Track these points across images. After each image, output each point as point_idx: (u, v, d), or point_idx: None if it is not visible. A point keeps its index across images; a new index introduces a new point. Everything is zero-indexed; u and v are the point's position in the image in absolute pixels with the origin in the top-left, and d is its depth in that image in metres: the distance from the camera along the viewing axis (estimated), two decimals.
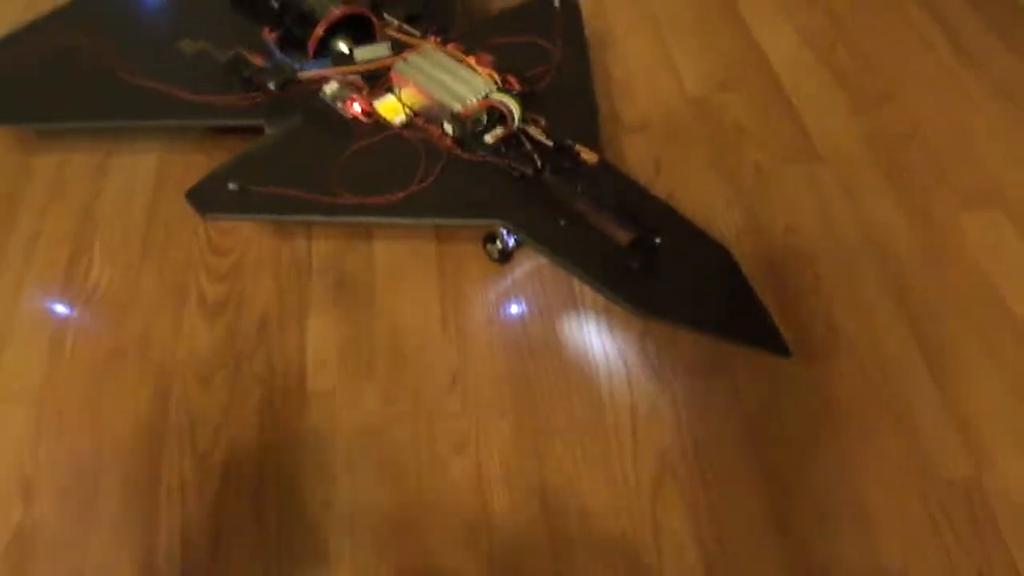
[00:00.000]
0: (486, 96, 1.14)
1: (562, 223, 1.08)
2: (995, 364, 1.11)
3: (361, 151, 1.16)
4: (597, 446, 1.06)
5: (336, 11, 1.21)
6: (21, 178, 1.37)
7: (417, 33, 1.29)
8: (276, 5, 1.26)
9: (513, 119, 1.13)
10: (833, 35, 1.56)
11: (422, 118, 1.20)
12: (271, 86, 1.22)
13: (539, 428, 1.08)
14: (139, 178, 1.36)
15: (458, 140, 1.16)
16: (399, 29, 1.31)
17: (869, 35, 1.55)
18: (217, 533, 1.01)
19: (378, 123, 1.21)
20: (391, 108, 1.20)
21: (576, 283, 1.20)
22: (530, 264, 1.23)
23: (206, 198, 1.11)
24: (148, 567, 0.99)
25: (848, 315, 1.15)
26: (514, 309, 1.18)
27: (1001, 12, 1.59)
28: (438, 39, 1.26)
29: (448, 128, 1.16)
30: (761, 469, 1.04)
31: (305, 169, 1.15)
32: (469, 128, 1.15)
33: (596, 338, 1.15)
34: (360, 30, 1.27)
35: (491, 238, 1.19)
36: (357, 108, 1.20)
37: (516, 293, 1.20)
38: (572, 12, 1.39)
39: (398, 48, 1.26)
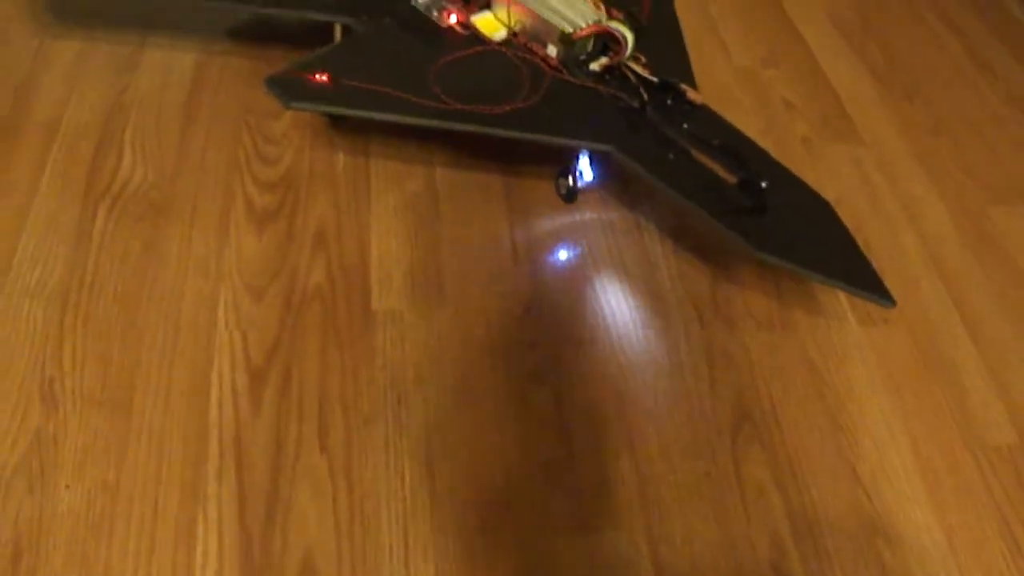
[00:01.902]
0: (598, 22, 1.08)
1: (671, 157, 1.04)
2: None
3: (459, 61, 1.08)
4: (676, 387, 1.02)
5: None
6: (37, 64, 1.22)
7: None
8: None
9: (626, 48, 1.07)
10: (862, 29, 1.59)
11: (523, 37, 1.13)
12: None
13: (618, 362, 1.03)
14: (173, 76, 1.23)
15: (562, 63, 1.10)
16: None
17: (893, 35, 1.61)
18: (278, 450, 0.91)
19: (475, 36, 1.13)
20: (489, 24, 1.13)
21: (645, 227, 1.16)
22: (597, 204, 1.18)
23: (290, 87, 1.00)
24: (196, 480, 0.87)
25: (896, 282, 1.15)
26: (584, 247, 1.13)
27: (1010, 29, 1.68)
28: None
29: (553, 50, 1.10)
30: (829, 419, 1.02)
31: (400, 71, 1.06)
32: (575, 53, 1.10)
33: (667, 283, 1.11)
34: None
35: (564, 174, 1.13)
36: (454, 19, 1.13)
37: (585, 232, 1.15)
38: None
39: None
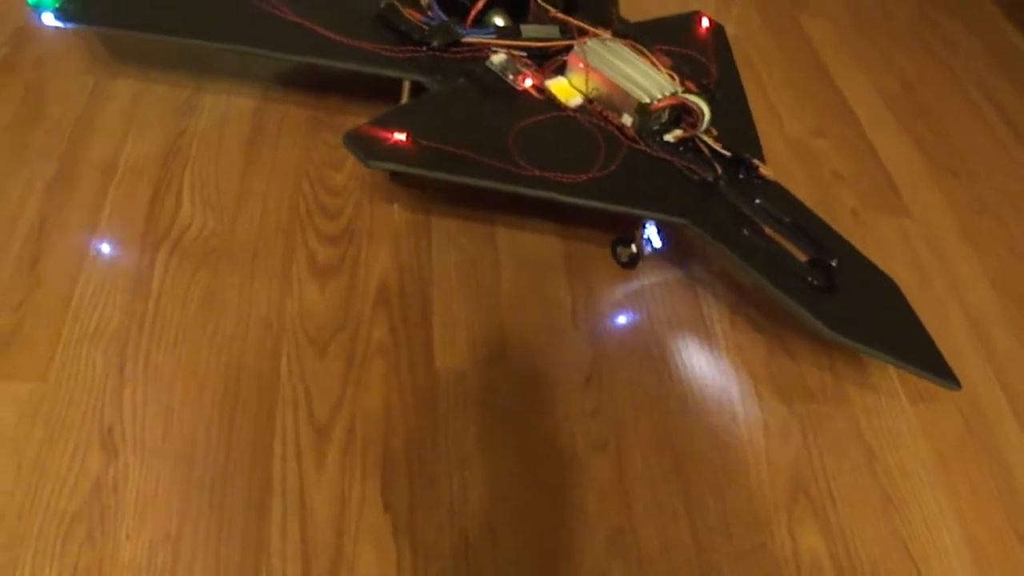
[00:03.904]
0: (674, 94, 1.16)
1: (744, 232, 1.11)
2: None
3: (535, 126, 1.15)
4: (734, 457, 1.08)
5: None
6: (93, 102, 1.28)
7: (585, 23, 1.29)
8: None
9: (702, 121, 1.15)
10: (908, 103, 1.69)
11: (599, 105, 1.20)
12: (434, 44, 1.20)
13: (676, 432, 1.09)
14: (231, 121, 1.29)
15: (638, 133, 1.17)
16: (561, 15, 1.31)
17: (939, 110, 1.71)
18: (342, 507, 0.96)
19: (550, 101, 1.20)
20: (564, 89, 1.20)
21: (702, 296, 1.23)
22: (654, 271, 1.25)
23: (368, 145, 1.06)
24: (260, 535, 0.92)
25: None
26: (643, 315, 1.19)
27: None
28: (609, 32, 1.27)
29: (628, 119, 1.17)
30: (882, 495, 1.09)
31: (477, 133, 1.12)
32: (650, 123, 1.16)
33: (725, 353, 1.18)
34: (515, 7, 1.27)
35: (623, 242, 1.20)
36: (529, 83, 1.20)
37: (644, 299, 1.21)
38: (719, 32, 1.43)
39: (566, 33, 1.27)
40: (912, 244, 1.40)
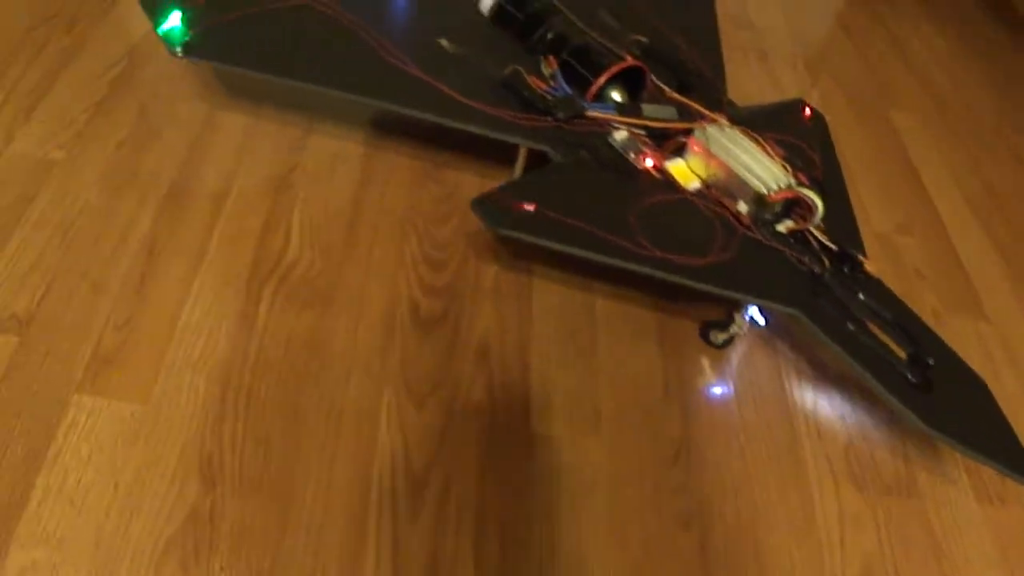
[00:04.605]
0: (790, 186, 1.20)
1: (850, 327, 1.15)
2: None
3: (656, 206, 1.19)
4: (810, 543, 1.11)
5: (627, 61, 1.25)
6: (207, 131, 1.32)
7: (700, 104, 1.34)
8: (550, 36, 1.28)
9: (815, 215, 1.19)
10: (990, 204, 1.73)
11: (715, 190, 1.24)
12: (559, 115, 1.24)
13: (757, 513, 1.11)
14: (341, 164, 1.33)
15: (753, 222, 1.21)
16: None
17: (1019, 213, 1.74)
18: (434, 560, 0.98)
19: (669, 182, 1.24)
20: (683, 172, 1.24)
21: (787, 380, 1.26)
22: (743, 351, 1.28)
23: (496, 212, 1.10)
24: None
25: None
26: (730, 393, 1.22)
27: None
28: (724, 116, 1.31)
29: (743, 207, 1.21)
30: None
31: (601, 209, 1.15)
32: (765, 213, 1.20)
33: (806, 439, 1.21)
34: (631, 84, 1.31)
35: (718, 325, 1.24)
36: (650, 163, 1.24)
37: (731, 377, 1.24)
38: (819, 121, 1.48)
39: (684, 114, 1.31)
40: (988, 347, 1.43)
